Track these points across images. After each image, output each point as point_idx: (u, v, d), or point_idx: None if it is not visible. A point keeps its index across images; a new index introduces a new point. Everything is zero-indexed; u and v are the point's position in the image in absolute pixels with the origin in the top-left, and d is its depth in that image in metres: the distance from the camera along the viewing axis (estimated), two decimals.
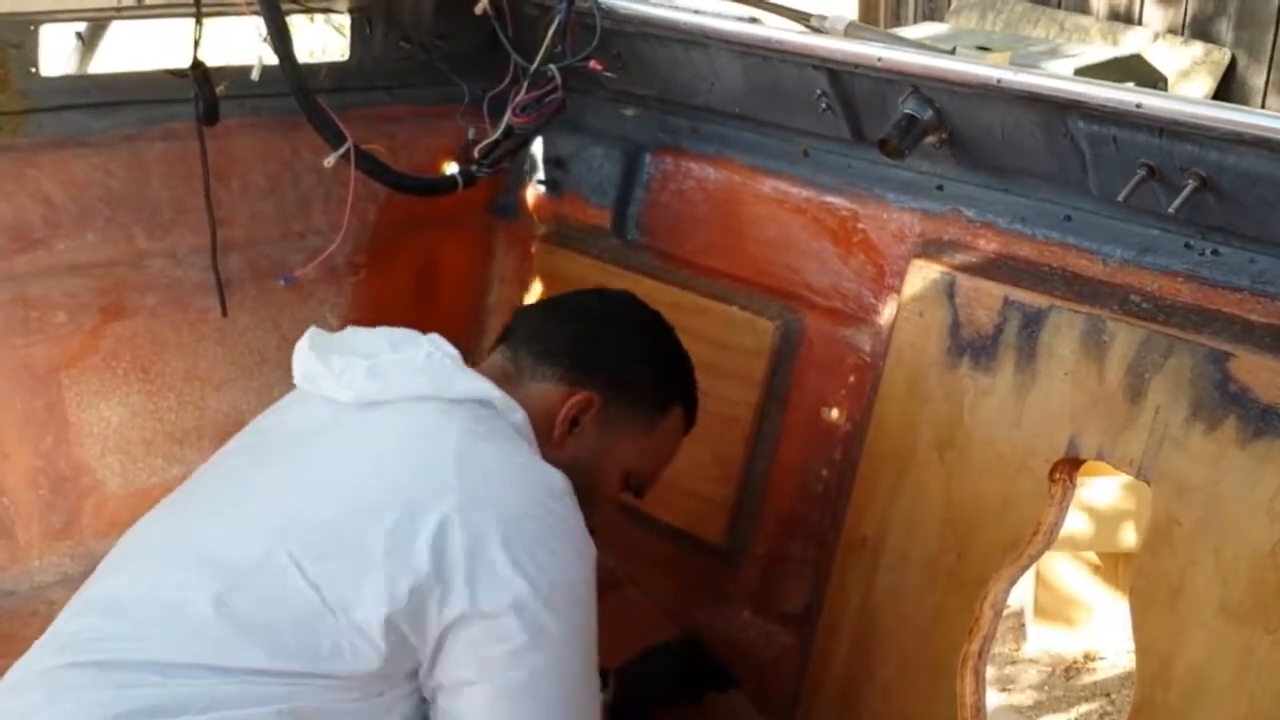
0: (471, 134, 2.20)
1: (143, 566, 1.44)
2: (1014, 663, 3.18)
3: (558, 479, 1.49)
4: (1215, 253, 1.60)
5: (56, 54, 2.21)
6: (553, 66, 2.03)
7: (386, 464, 1.45)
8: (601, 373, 1.68)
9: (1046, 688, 3.09)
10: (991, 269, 1.80)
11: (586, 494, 1.64)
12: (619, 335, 1.76)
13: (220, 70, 1.97)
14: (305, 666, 1.32)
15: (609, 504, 1.75)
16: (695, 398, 1.81)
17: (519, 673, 1.37)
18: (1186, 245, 1.63)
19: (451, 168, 2.28)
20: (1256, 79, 5.24)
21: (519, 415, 1.57)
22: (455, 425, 1.48)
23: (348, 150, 1.96)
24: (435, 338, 1.62)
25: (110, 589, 1.44)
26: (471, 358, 1.64)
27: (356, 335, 1.64)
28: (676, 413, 1.77)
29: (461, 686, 1.38)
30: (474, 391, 1.54)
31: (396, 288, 2.35)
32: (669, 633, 2.06)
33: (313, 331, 1.64)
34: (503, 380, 1.60)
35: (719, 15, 2.00)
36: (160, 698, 1.28)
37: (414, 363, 1.55)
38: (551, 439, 1.63)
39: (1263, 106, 5.16)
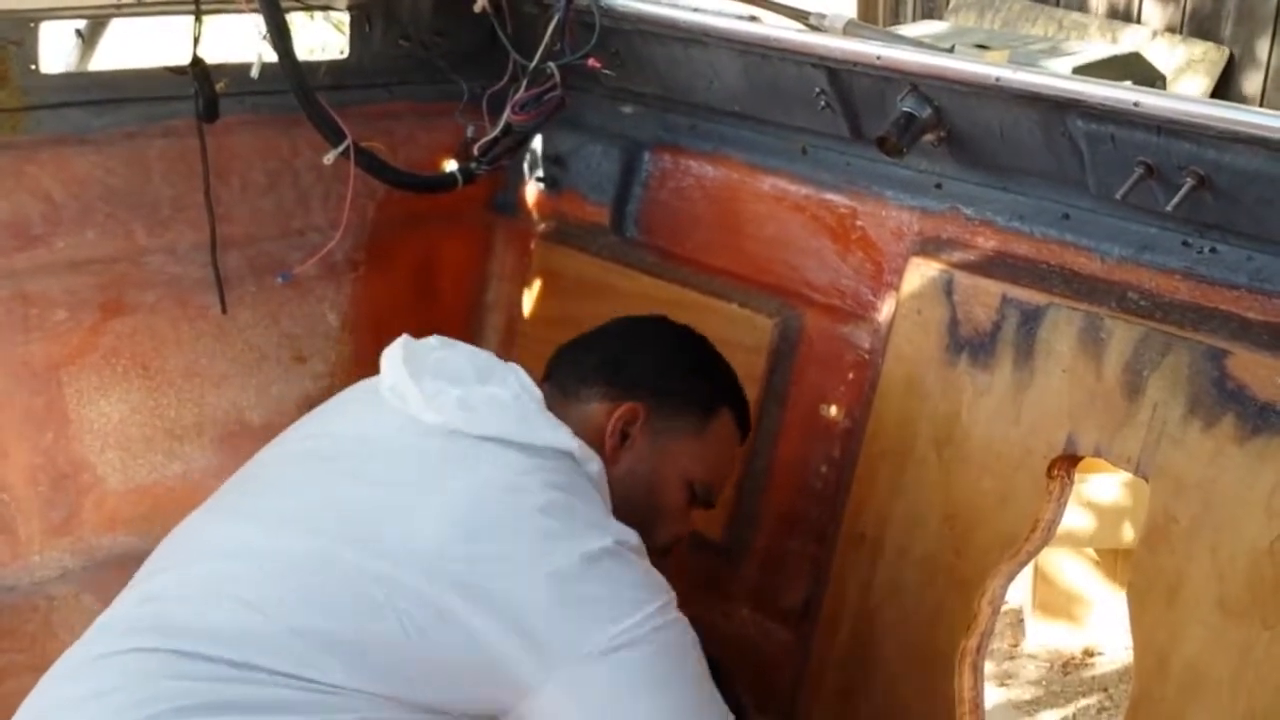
0: (471, 131, 2.20)
1: (213, 565, 1.45)
2: (1012, 658, 3.19)
3: (634, 535, 1.51)
4: (1213, 250, 1.61)
5: (56, 51, 2.22)
6: (552, 64, 2.03)
7: (478, 521, 1.45)
8: (641, 385, 1.72)
9: (1045, 683, 3.10)
10: (990, 267, 1.80)
11: (651, 508, 1.70)
12: (653, 347, 1.81)
13: (220, 67, 1.97)
14: (378, 688, 1.33)
15: (678, 517, 1.76)
16: (743, 401, 1.84)
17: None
18: (1184, 243, 1.63)
19: (451, 165, 2.28)
20: (1254, 77, 5.25)
21: (595, 466, 1.60)
22: (537, 488, 1.49)
23: (347, 147, 1.96)
24: (519, 372, 1.65)
25: (171, 583, 1.45)
26: None
27: (446, 355, 1.66)
28: (725, 415, 1.79)
29: None
30: (555, 441, 1.56)
31: (396, 285, 2.35)
32: None
33: (406, 341, 1.67)
34: (556, 411, 1.62)
35: (718, 13, 2.00)
36: (222, 694, 1.29)
37: (502, 401, 1.58)
38: (604, 455, 1.65)
39: (1261, 105, 5.16)
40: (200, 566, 1.46)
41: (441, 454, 1.53)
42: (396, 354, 1.63)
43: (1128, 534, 2.95)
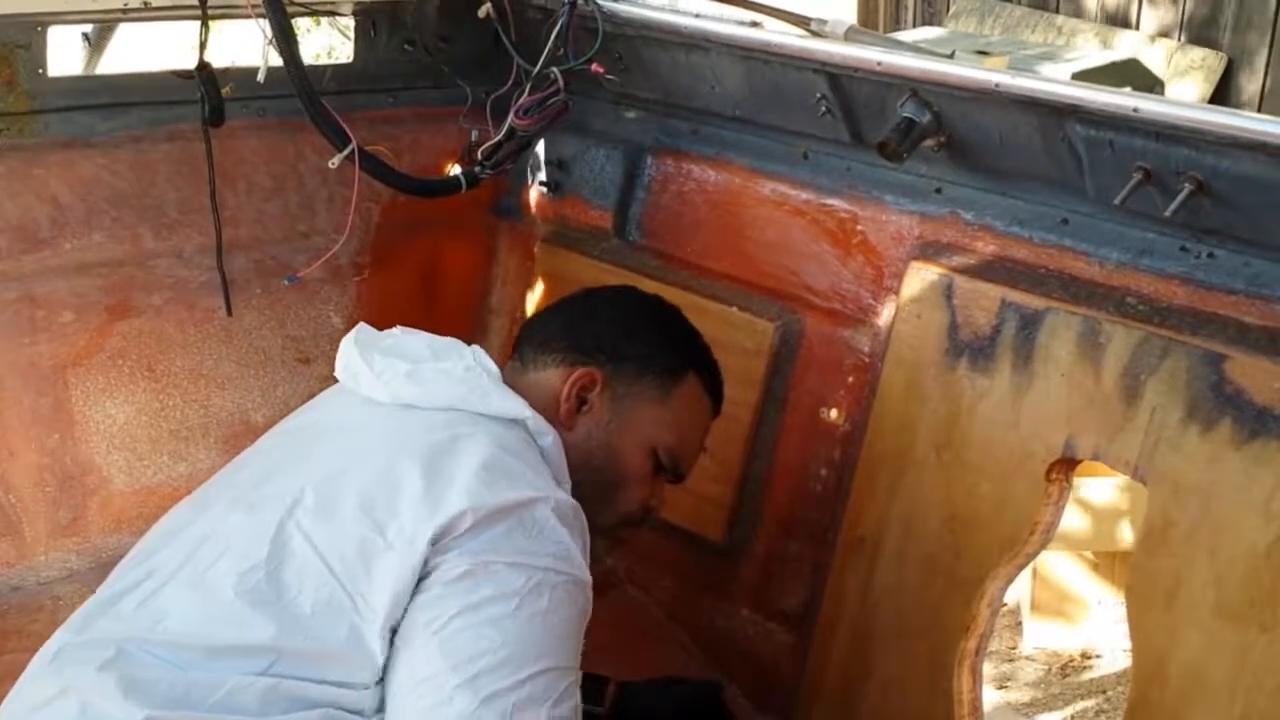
0: (474, 136, 2.22)
1: (163, 556, 1.45)
2: (1011, 660, 3.20)
3: (571, 502, 1.47)
4: (1211, 255, 1.62)
5: (63, 55, 2.23)
6: (555, 69, 2.05)
7: (413, 464, 1.43)
8: (600, 349, 1.69)
9: (1043, 685, 3.10)
10: (989, 271, 1.81)
11: (612, 474, 1.67)
12: (613, 313, 1.77)
13: (226, 72, 1.99)
14: (323, 647, 1.32)
15: (640, 485, 1.71)
16: (713, 368, 1.79)
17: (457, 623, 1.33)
18: (1182, 248, 1.64)
19: (454, 169, 2.30)
20: (1253, 83, 5.25)
21: (549, 439, 1.57)
22: (479, 446, 1.46)
23: (352, 151, 1.97)
24: (478, 350, 1.63)
25: (130, 579, 1.44)
26: None
27: (403, 337, 1.65)
28: (691, 380, 1.74)
29: (407, 638, 1.34)
30: (507, 410, 1.55)
31: (400, 288, 2.36)
32: (673, 636, 2.07)
33: (361, 327, 1.66)
34: (513, 382, 1.61)
35: (720, 19, 2.01)
36: (175, 683, 1.29)
37: (453, 373, 1.56)
38: (560, 420, 1.64)
39: (1259, 110, 5.17)
40: (151, 560, 1.46)
41: (386, 425, 1.53)
42: (350, 339, 1.63)
43: (1126, 537, 2.96)
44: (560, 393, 1.66)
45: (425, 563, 1.34)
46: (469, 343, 1.66)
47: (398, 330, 1.68)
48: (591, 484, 1.58)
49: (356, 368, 1.59)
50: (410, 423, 1.53)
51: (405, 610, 1.34)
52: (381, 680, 1.34)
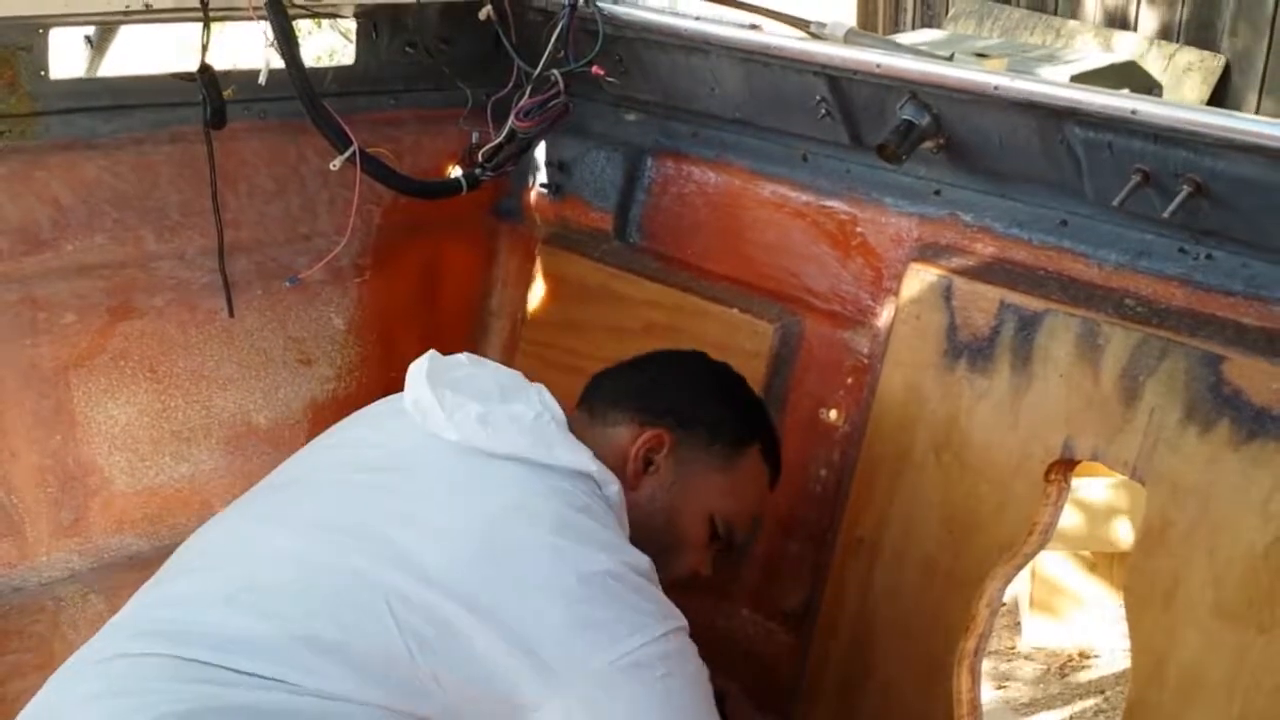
0: (475, 138, 2.23)
1: (227, 570, 1.46)
2: (1010, 660, 3.20)
3: (645, 559, 1.51)
4: (1209, 257, 1.62)
5: (65, 57, 2.23)
6: (555, 72, 2.05)
7: (490, 540, 1.45)
8: (670, 413, 1.72)
9: (1042, 685, 3.10)
10: (988, 272, 1.81)
11: (670, 538, 1.69)
12: (686, 378, 1.81)
13: (227, 74, 1.99)
14: (380, 698, 1.33)
15: (696, 551, 1.75)
16: (775, 440, 1.83)
17: None
18: (1181, 250, 1.65)
19: (455, 171, 2.30)
20: (1251, 85, 5.26)
21: (614, 488, 1.59)
22: (552, 510, 1.49)
23: (353, 153, 1.97)
24: (544, 392, 1.65)
25: (191, 587, 1.45)
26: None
27: (473, 369, 1.67)
28: (753, 452, 1.78)
29: None
30: (574, 463, 1.57)
31: (400, 289, 2.37)
32: None
33: (432, 356, 1.66)
34: (580, 434, 1.62)
35: (720, 22, 2.02)
36: (228, 699, 1.29)
37: (523, 420, 1.58)
38: (626, 479, 1.65)
39: (1257, 112, 5.18)
40: (215, 572, 1.47)
41: (458, 471, 1.54)
42: (421, 369, 1.63)
43: (1124, 538, 2.96)
44: (628, 451, 1.68)
45: (522, 655, 1.37)
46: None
47: (465, 359, 1.70)
48: (649, 544, 1.58)
49: (426, 403, 1.59)
50: (482, 477, 1.53)
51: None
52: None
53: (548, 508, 1.48)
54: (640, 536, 1.59)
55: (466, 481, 1.53)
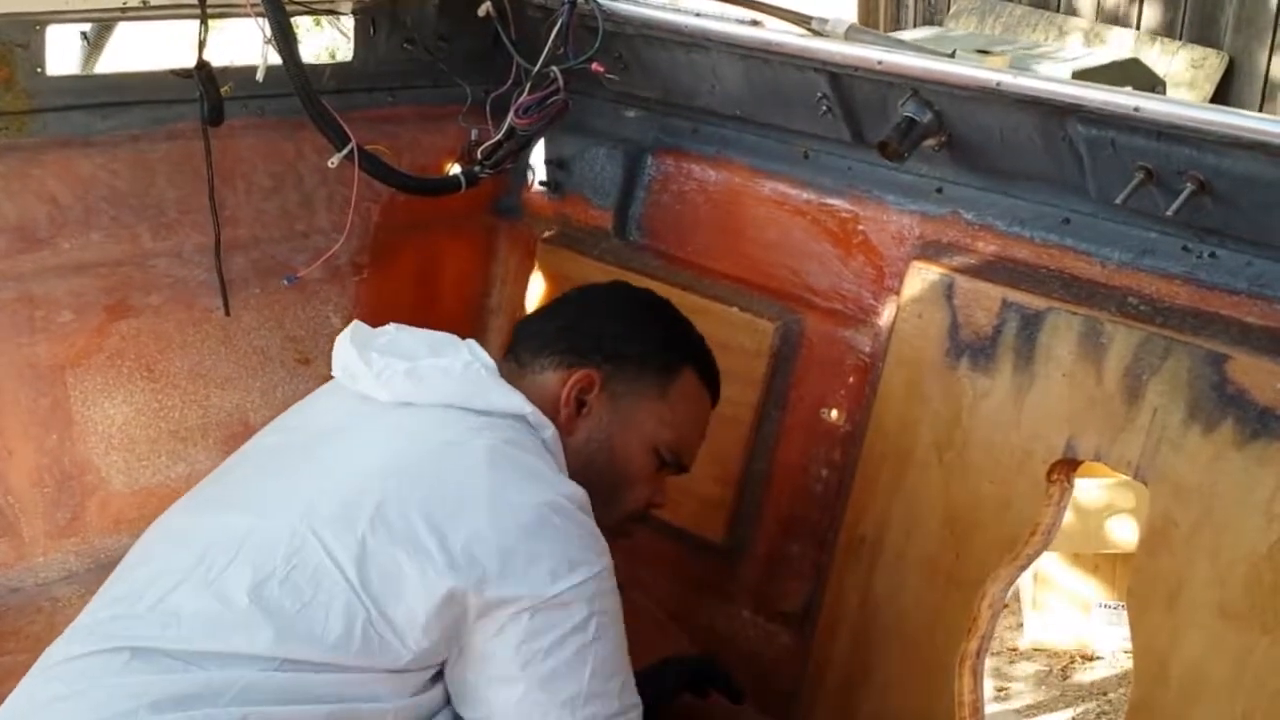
0: (474, 135, 2.22)
1: (171, 558, 1.45)
2: (1011, 661, 3.19)
3: (579, 491, 1.50)
4: (1213, 255, 1.62)
5: (62, 54, 2.22)
6: (555, 68, 2.04)
7: (421, 469, 1.46)
8: (596, 350, 1.70)
9: (1044, 687, 3.10)
10: (990, 271, 1.81)
11: (615, 475, 1.68)
12: (607, 312, 1.78)
13: (225, 71, 1.98)
14: (334, 657, 1.33)
15: (645, 484, 1.73)
16: (708, 360, 1.80)
17: (549, 663, 1.41)
18: (1184, 248, 1.64)
19: (454, 168, 2.29)
20: (1254, 82, 5.25)
21: (549, 432, 1.58)
22: (484, 442, 1.49)
23: (351, 151, 1.97)
24: (474, 345, 1.63)
25: (138, 580, 1.45)
26: None
27: (398, 334, 1.65)
28: (688, 375, 1.75)
29: (493, 683, 1.41)
30: (507, 406, 1.56)
31: (399, 287, 2.36)
32: (673, 635, 2.07)
33: (356, 325, 1.66)
34: (512, 384, 1.61)
35: (720, 18, 2.01)
36: (193, 685, 1.29)
37: (451, 370, 1.57)
38: (561, 424, 1.64)
39: (1260, 110, 5.17)
40: (166, 560, 1.46)
41: (390, 423, 1.54)
42: (345, 337, 1.63)
43: (1127, 538, 2.95)
44: (559, 396, 1.66)
45: (463, 583, 1.37)
46: (465, 338, 1.66)
47: (392, 327, 1.68)
48: (595, 485, 1.57)
49: (354, 367, 1.60)
50: (411, 423, 1.54)
51: (460, 633, 1.39)
52: (394, 673, 1.37)
53: (481, 443, 1.47)
54: (585, 479, 1.58)
55: (398, 432, 1.52)
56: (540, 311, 1.86)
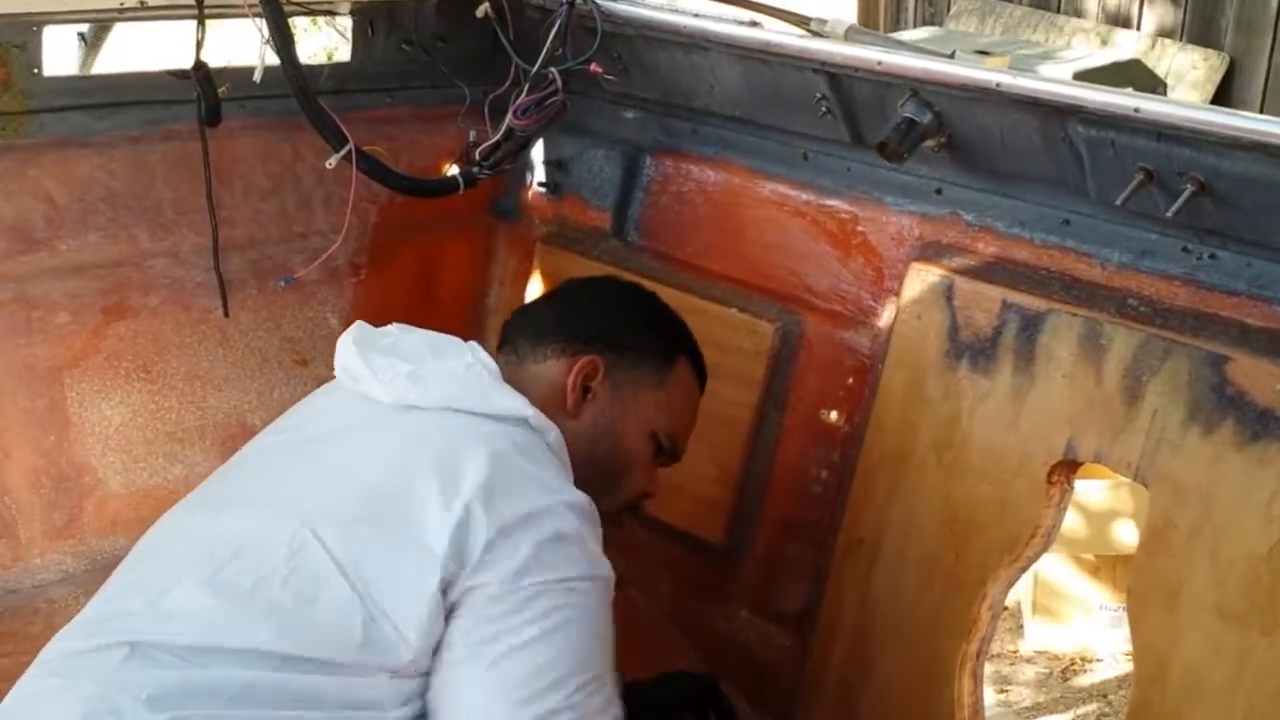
0: (472, 136, 2.21)
1: (172, 556, 1.45)
2: (1012, 663, 3.19)
3: (584, 499, 1.50)
4: (1213, 257, 1.61)
5: (59, 55, 2.22)
6: (553, 69, 2.04)
7: (422, 472, 1.44)
8: (598, 339, 1.72)
9: (1044, 689, 3.09)
10: (990, 272, 1.80)
11: (617, 461, 1.70)
12: (604, 302, 1.81)
13: (222, 71, 1.97)
14: (335, 655, 1.33)
15: (643, 470, 1.75)
16: (697, 351, 1.83)
17: (499, 647, 1.37)
18: (1184, 249, 1.64)
19: (452, 169, 2.29)
20: (1255, 83, 5.25)
21: (553, 435, 1.58)
22: (487, 448, 1.47)
23: (349, 152, 1.96)
24: (476, 348, 1.64)
25: (138, 577, 1.45)
26: None
27: (402, 335, 1.66)
28: (683, 364, 1.79)
29: (455, 665, 1.38)
30: (510, 409, 1.56)
31: (397, 289, 2.35)
32: (672, 637, 2.06)
33: (359, 325, 1.66)
34: (511, 377, 1.62)
35: (719, 19, 2.01)
36: (191, 681, 1.29)
37: (454, 372, 1.57)
38: (566, 410, 1.66)
39: (1261, 111, 5.17)
40: (168, 558, 1.46)
41: (391, 426, 1.54)
42: (348, 337, 1.63)
43: (1127, 539, 2.95)
44: (564, 383, 1.68)
45: (451, 576, 1.36)
46: (466, 340, 1.66)
47: (395, 328, 1.68)
48: (597, 472, 1.60)
49: (356, 368, 1.60)
50: (414, 425, 1.53)
51: (443, 623, 1.37)
52: (395, 675, 1.36)
53: (484, 449, 1.46)
54: (588, 465, 1.59)
55: (400, 434, 1.52)
56: (535, 303, 1.87)
